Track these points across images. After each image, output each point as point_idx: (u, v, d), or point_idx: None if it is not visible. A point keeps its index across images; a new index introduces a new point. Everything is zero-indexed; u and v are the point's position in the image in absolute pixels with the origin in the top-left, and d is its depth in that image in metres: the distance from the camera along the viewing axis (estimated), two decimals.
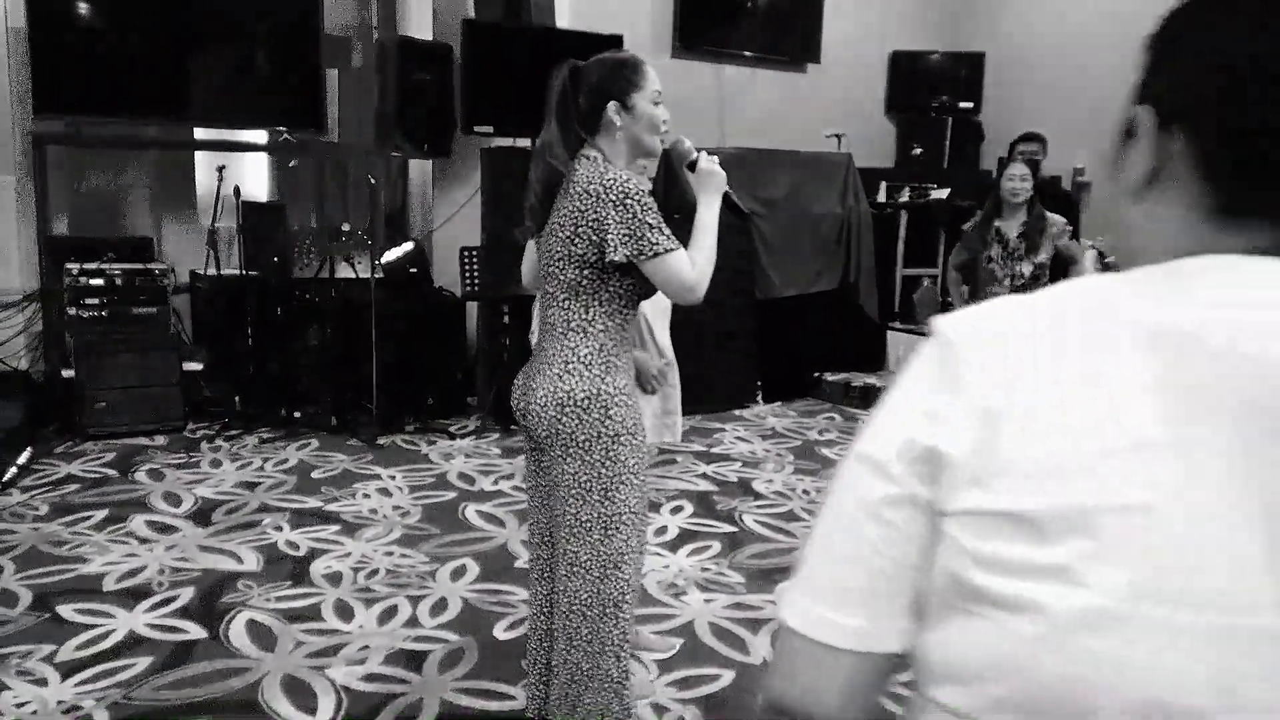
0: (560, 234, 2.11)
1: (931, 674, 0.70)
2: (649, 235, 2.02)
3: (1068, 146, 6.07)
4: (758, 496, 4.41)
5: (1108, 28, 7.10)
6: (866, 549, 0.71)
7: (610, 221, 2.03)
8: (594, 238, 2.06)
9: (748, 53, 6.92)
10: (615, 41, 5.76)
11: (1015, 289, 4.37)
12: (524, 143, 5.43)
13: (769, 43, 7.03)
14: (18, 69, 4.94)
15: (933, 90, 7.85)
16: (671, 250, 2.03)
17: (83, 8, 4.94)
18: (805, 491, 4.52)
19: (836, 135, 6.89)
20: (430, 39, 5.66)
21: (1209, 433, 0.61)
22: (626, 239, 2.03)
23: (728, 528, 4.04)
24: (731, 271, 5.53)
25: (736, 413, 6.00)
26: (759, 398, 6.22)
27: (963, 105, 7.80)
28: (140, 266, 5.15)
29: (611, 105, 2.14)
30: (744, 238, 5.85)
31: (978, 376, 0.67)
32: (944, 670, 0.69)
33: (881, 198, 7.03)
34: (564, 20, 5.95)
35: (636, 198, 2.04)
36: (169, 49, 5.16)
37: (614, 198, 2.03)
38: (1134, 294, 0.67)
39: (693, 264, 2.07)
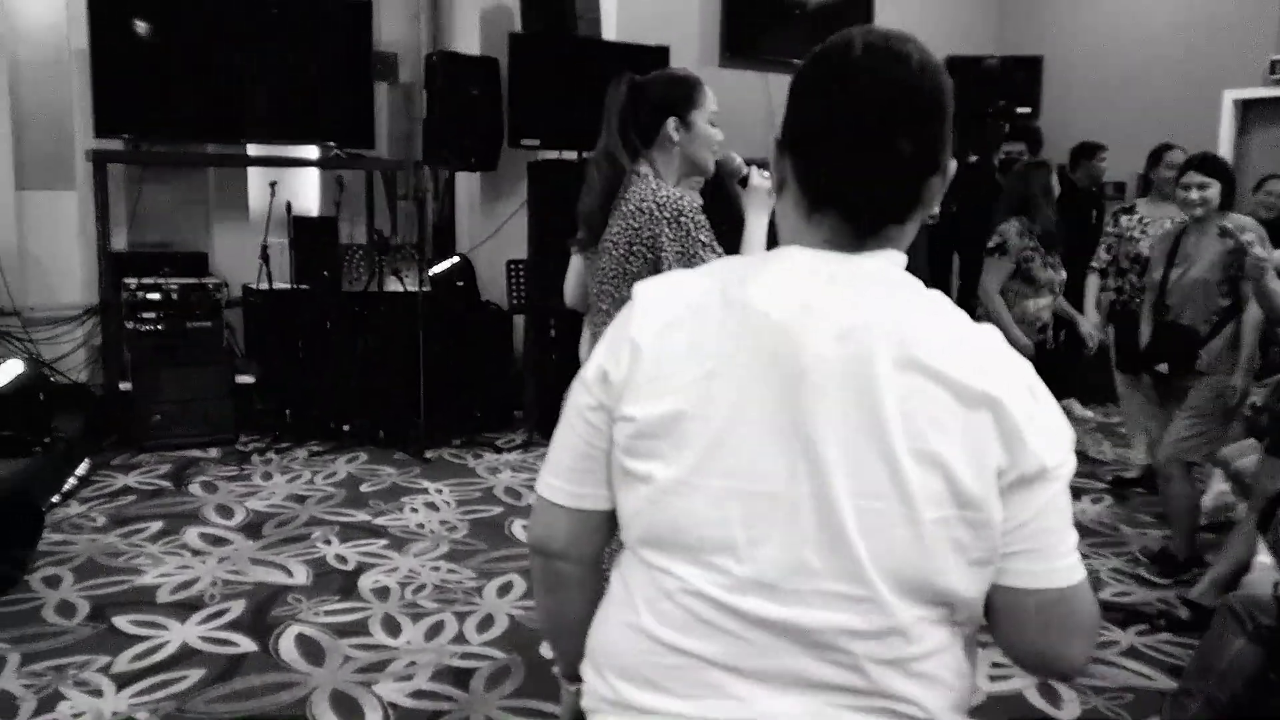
0: (614, 252, 2.12)
1: (619, 523, 1.06)
2: (702, 254, 2.04)
3: (1129, 151, 5.90)
4: None
5: (1169, 32, 6.94)
6: (575, 439, 1.06)
7: (664, 240, 2.05)
8: (649, 256, 2.07)
9: (796, 60, 6.78)
10: (662, 53, 5.74)
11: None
12: (570, 155, 5.43)
13: None
14: (81, 89, 5.07)
15: (989, 95, 7.71)
16: None
17: (142, 30, 5.06)
18: None
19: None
20: (477, 53, 5.69)
21: (750, 368, 0.95)
22: (680, 257, 2.04)
23: None
24: None
25: None
26: None
27: (1020, 110, 7.64)
28: (195, 281, 5.23)
29: (671, 121, 2.16)
30: None
31: (638, 321, 1.01)
32: (622, 520, 1.05)
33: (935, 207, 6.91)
34: (610, 32, 5.94)
35: (690, 216, 2.06)
36: (224, 69, 5.26)
37: (668, 216, 2.05)
38: (735, 271, 1.02)
39: None
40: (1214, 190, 3.54)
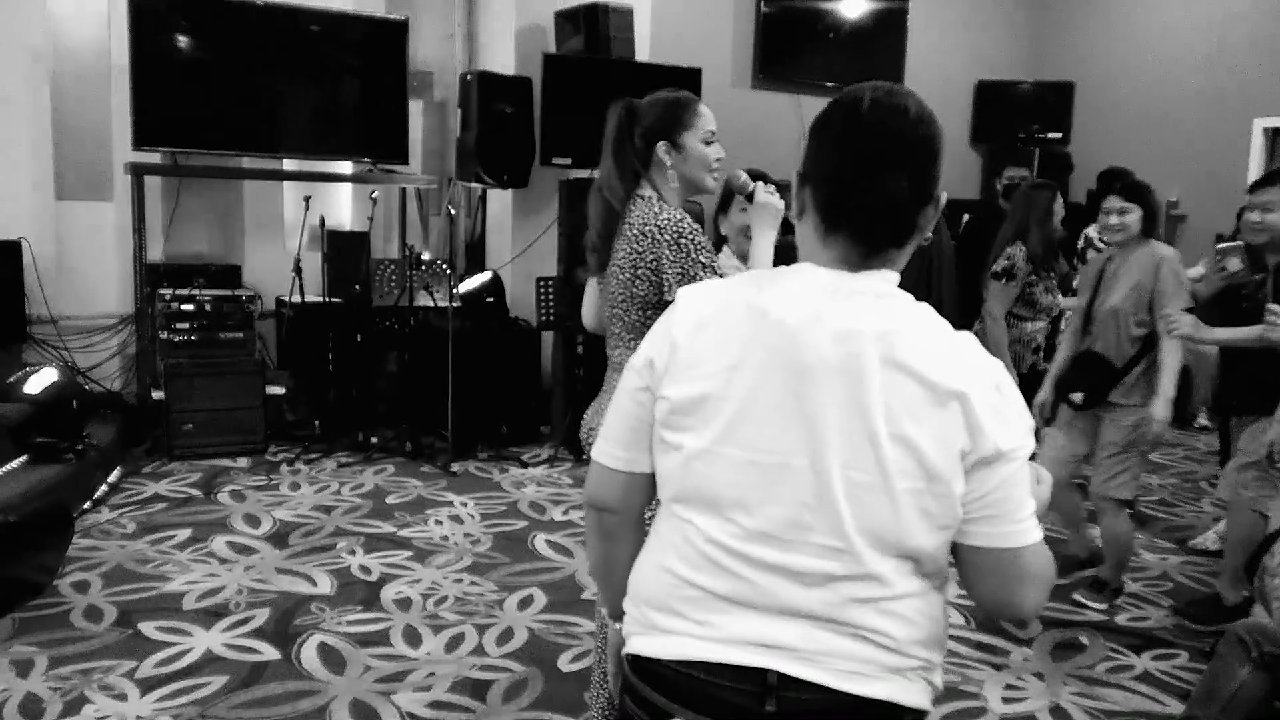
0: (621, 276, 2.15)
1: (658, 483, 1.29)
2: (701, 275, 2.06)
3: (1159, 178, 5.85)
4: None
5: (1201, 60, 6.90)
6: (625, 414, 1.29)
7: (665, 261, 2.08)
8: (653, 278, 2.10)
9: (829, 83, 6.87)
10: (694, 74, 5.78)
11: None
12: None
13: (850, 73, 6.96)
14: (120, 103, 5.18)
15: (1020, 120, 7.69)
16: None
17: (182, 46, 5.17)
18: None
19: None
20: (512, 73, 5.75)
21: (765, 362, 1.17)
22: (680, 278, 2.07)
23: None
24: None
25: None
26: None
27: (1051, 136, 7.61)
28: (228, 292, 5.31)
29: (661, 145, 2.19)
30: None
31: (677, 320, 1.25)
32: (658, 481, 1.28)
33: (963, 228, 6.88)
34: (644, 53, 5.99)
35: (690, 237, 2.09)
36: (262, 85, 5.35)
37: (668, 238, 2.08)
38: (757, 283, 1.23)
39: None
40: (1134, 216, 3.43)
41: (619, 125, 2.22)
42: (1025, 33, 7.92)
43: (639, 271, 2.11)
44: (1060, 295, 4.20)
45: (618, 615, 1.39)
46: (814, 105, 6.96)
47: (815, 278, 1.20)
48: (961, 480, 1.13)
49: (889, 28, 7.07)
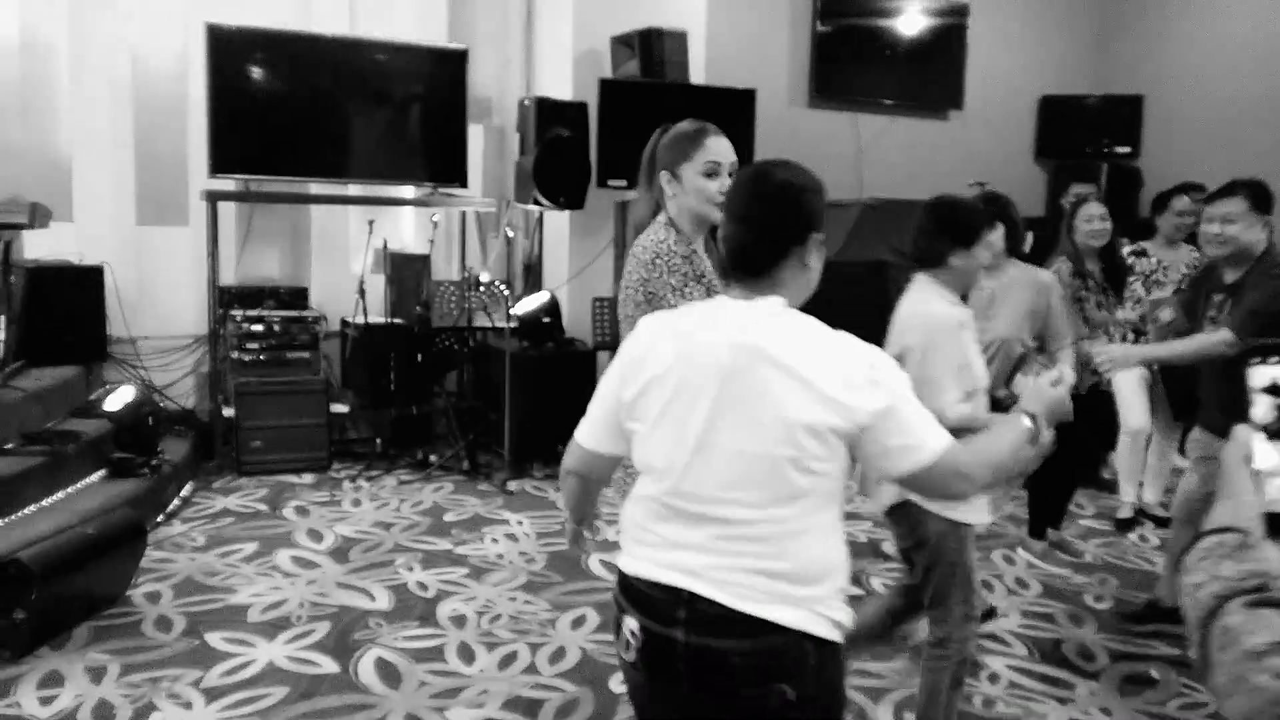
0: (620, 296, 2.28)
1: (632, 457, 1.69)
2: (669, 297, 2.16)
3: None
4: (887, 558, 4.27)
5: (1272, 70, 6.68)
6: (603, 411, 1.72)
7: (642, 280, 2.20)
8: (637, 298, 2.21)
9: (887, 101, 6.84)
10: (748, 96, 5.81)
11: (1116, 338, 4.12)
12: None
13: (909, 90, 6.93)
14: (197, 133, 5.40)
15: (1086, 135, 7.54)
16: None
17: (255, 78, 5.37)
18: None
19: (979, 184, 6.70)
20: (569, 97, 5.84)
21: (685, 368, 1.58)
22: (650, 297, 2.17)
23: (855, 590, 3.91)
24: (863, 322, 5.41)
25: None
26: None
27: (1119, 150, 7.45)
28: (295, 314, 5.49)
29: (663, 175, 2.28)
30: (878, 287, 5.73)
31: (637, 339, 1.68)
32: (634, 456, 1.68)
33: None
34: (699, 76, 6.03)
35: (665, 258, 2.18)
36: (330, 114, 5.54)
37: (649, 259, 2.19)
38: (690, 311, 1.70)
39: None
40: (997, 234, 3.20)
41: (651, 151, 2.33)
42: (1091, 45, 7.77)
43: (628, 290, 2.23)
44: (1117, 312, 4.08)
45: (577, 520, 2.00)
46: (871, 124, 6.96)
47: (720, 306, 1.64)
48: (833, 447, 1.51)
49: (948, 43, 7.01)
